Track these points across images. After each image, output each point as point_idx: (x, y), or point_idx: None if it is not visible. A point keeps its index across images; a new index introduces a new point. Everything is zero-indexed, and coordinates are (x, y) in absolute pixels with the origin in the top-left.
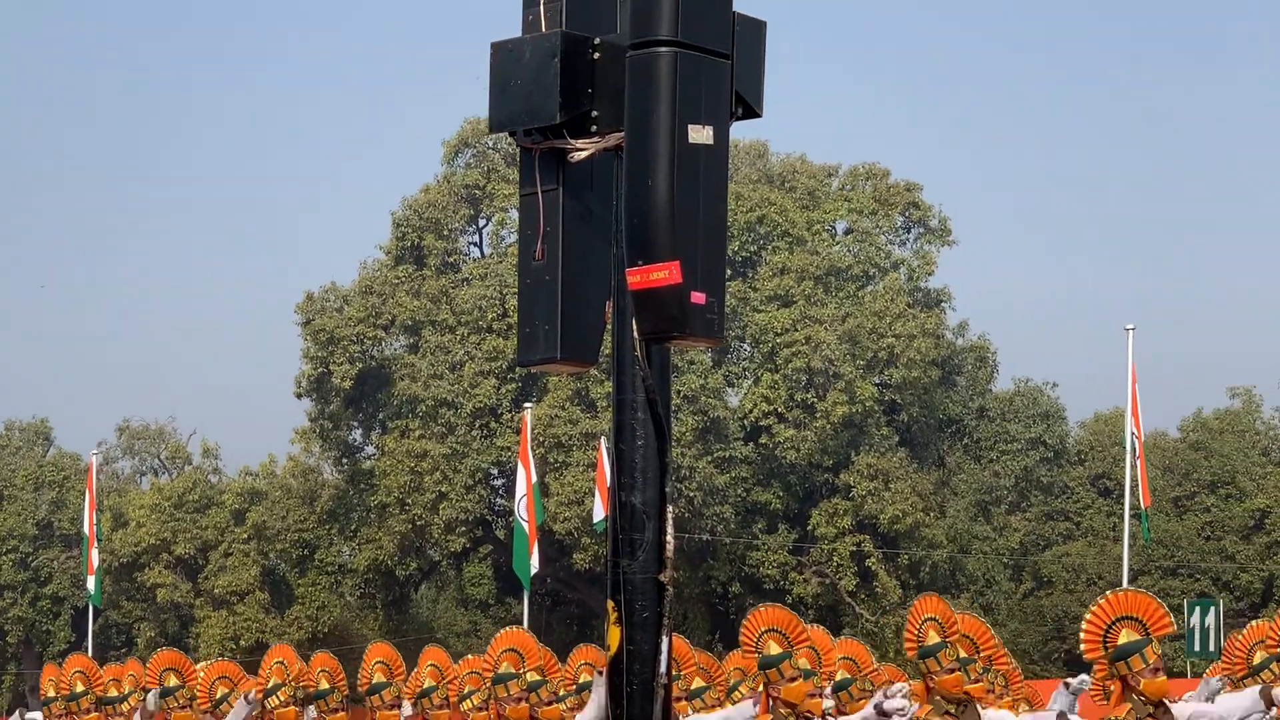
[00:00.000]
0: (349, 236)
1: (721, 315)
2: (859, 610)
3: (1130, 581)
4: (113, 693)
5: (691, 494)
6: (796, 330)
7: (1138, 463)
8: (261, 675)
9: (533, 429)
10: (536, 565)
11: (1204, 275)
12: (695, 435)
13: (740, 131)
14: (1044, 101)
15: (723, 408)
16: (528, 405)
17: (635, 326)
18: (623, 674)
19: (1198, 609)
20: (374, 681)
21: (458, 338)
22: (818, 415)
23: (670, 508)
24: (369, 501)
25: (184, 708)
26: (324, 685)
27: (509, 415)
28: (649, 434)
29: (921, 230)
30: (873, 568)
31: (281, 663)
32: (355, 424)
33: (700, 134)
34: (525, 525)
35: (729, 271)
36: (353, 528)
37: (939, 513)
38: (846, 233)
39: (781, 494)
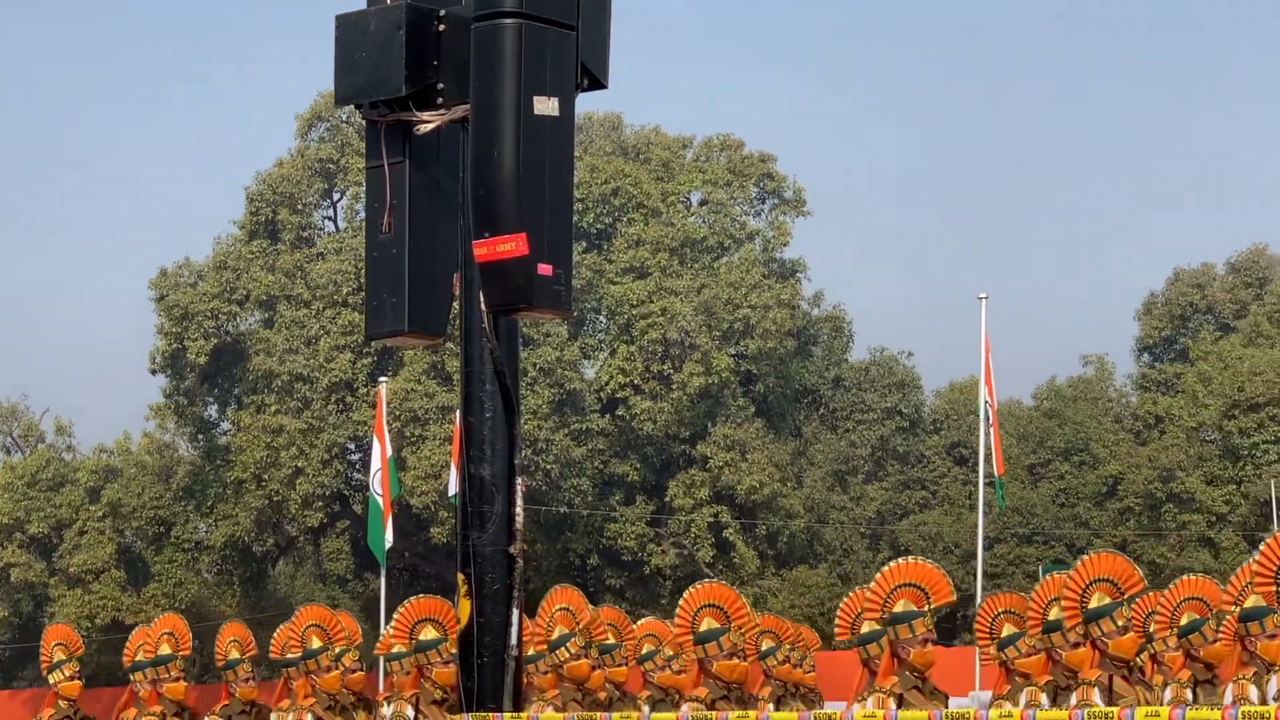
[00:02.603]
0: (203, 211)
1: (569, 287)
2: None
3: (986, 549)
4: None
5: (548, 466)
6: (652, 302)
7: (991, 431)
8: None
9: (389, 403)
10: (391, 540)
11: (1057, 244)
12: (552, 408)
13: (594, 103)
14: (897, 73)
15: (579, 380)
16: (383, 379)
17: (482, 299)
18: (473, 646)
19: (1048, 574)
20: (229, 658)
21: (313, 312)
22: (674, 387)
23: (519, 480)
24: (225, 478)
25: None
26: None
27: (365, 389)
28: (497, 406)
29: (776, 201)
30: (730, 538)
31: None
32: (211, 400)
33: (546, 105)
34: (380, 500)
35: (583, 244)
36: (209, 504)
37: (796, 483)
38: (701, 204)
39: (639, 466)
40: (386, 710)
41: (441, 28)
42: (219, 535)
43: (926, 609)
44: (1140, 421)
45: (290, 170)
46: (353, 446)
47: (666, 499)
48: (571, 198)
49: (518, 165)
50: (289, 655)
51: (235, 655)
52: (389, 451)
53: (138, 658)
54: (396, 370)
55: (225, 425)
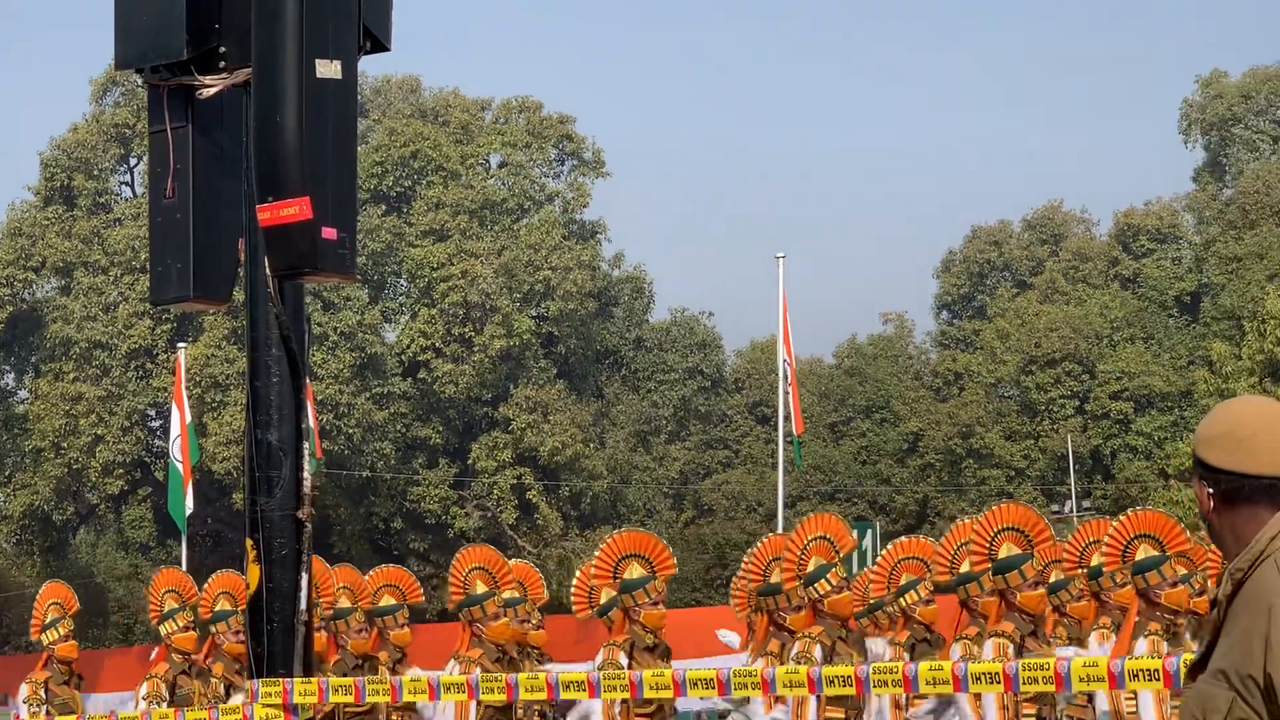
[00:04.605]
0: None
1: (354, 250)
2: (521, 543)
3: (788, 507)
4: None
5: (351, 430)
6: (453, 265)
7: (790, 390)
8: None
9: (189, 369)
10: (192, 506)
11: (856, 203)
12: (353, 372)
13: (393, 66)
14: (694, 33)
15: (380, 344)
16: (183, 345)
17: (267, 263)
18: (263, 611)
19: (855, 532)
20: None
21: (111, 279)
22: (475, 349)
23: (307, 444)
24: (23, 446)
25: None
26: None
27: (165, 356)
28: (283, 371)
29: (576, 163)
30: (534, 500)
31: None
32: (7, 368)
33: (328, 69)
34: (180, 466)
35: (383, 207)
36: (6, 473)
37: (599, 444)
38: (501, 166)
39: (441, 429)
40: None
41: None
42: (17, 505)
43: (838, 559)
44: (940, 378)
45: (86, 136)
46: (153, 413)
47: (469, 462)
48: (355, 161)
49: (300, 129)
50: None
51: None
52: (189, 418)
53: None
54: (196, 336)
55: (23, 394)
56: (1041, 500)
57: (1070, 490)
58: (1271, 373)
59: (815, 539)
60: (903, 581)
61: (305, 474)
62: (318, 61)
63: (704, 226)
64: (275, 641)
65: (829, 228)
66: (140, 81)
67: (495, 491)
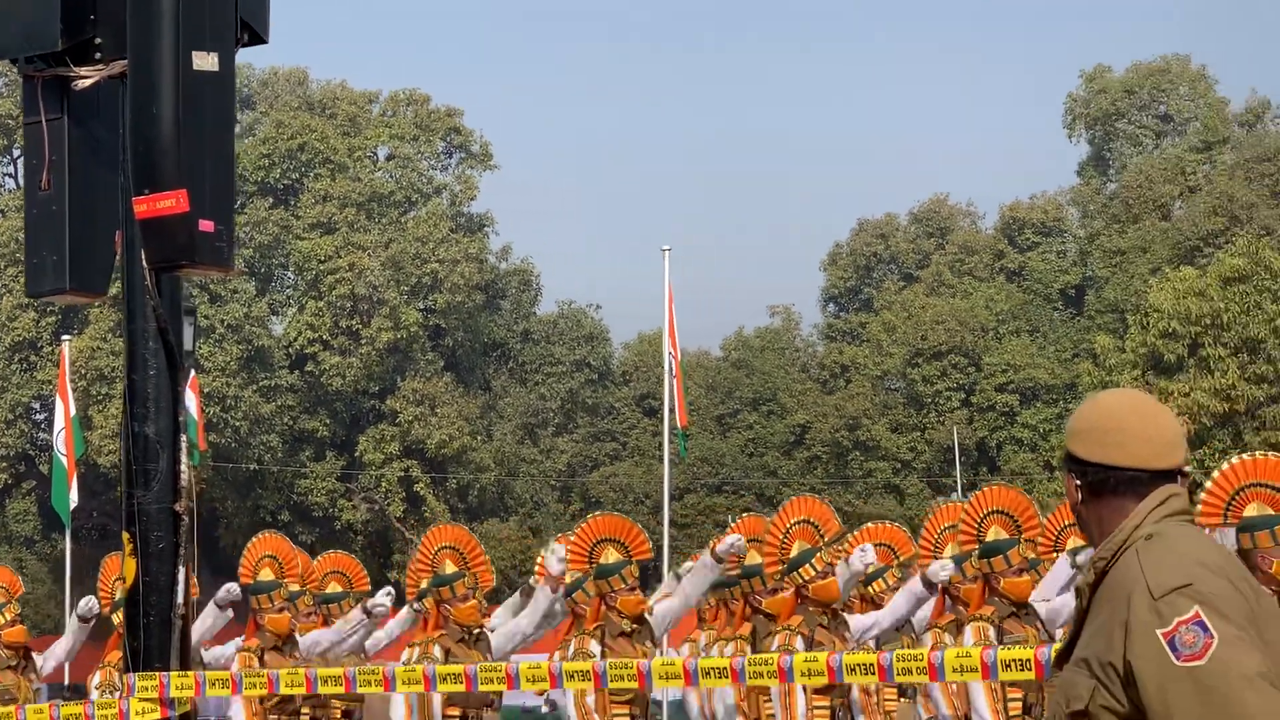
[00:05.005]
0: None
1: (231, 243)
2: (408, 535)
3: (675, 500)
4: None
5: (238, 423)
6: (340, 257)
7: (674, 383)
8: None
9: (74, 361)
10: (77, 500)
11: (743, 197)
12: (240, 364)
13: (280, 59)
14: (581, 26)
15: (267, 336)
16: (67, 338)
17: (144, 256)
18: (140, 606)
19: (733, 521)
20: None
21: None
22: (363, 342)
23: (185, 437)
24: None
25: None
26: None
27: (49, 348)
28: (161, 364)
29: (463, 155)
30: (421, 492)
31: None
32: None
33: (205, 61)
34: (64, 460)
35: (270, 200)
36: None
37: (486, 436)
38: (389, 159)
39: (329, 421)
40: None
41: None
42: None
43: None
44: (826, 371)
45: None
46: (37, 406)
47: (357, 454)
48: (233, 153)
49: (177, 121)
50: None
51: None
52: (73, 411)
53: None
54: (81, 329)
55: None
56: (927, 492)
57: (956, 482)
58: (1154, 365)
59: (798, 523)
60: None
61: (183, 467)
62: (194, 54)
63: (591, 219)
64: (152, 635)
65: (716, 221)
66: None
67: (383, 484)
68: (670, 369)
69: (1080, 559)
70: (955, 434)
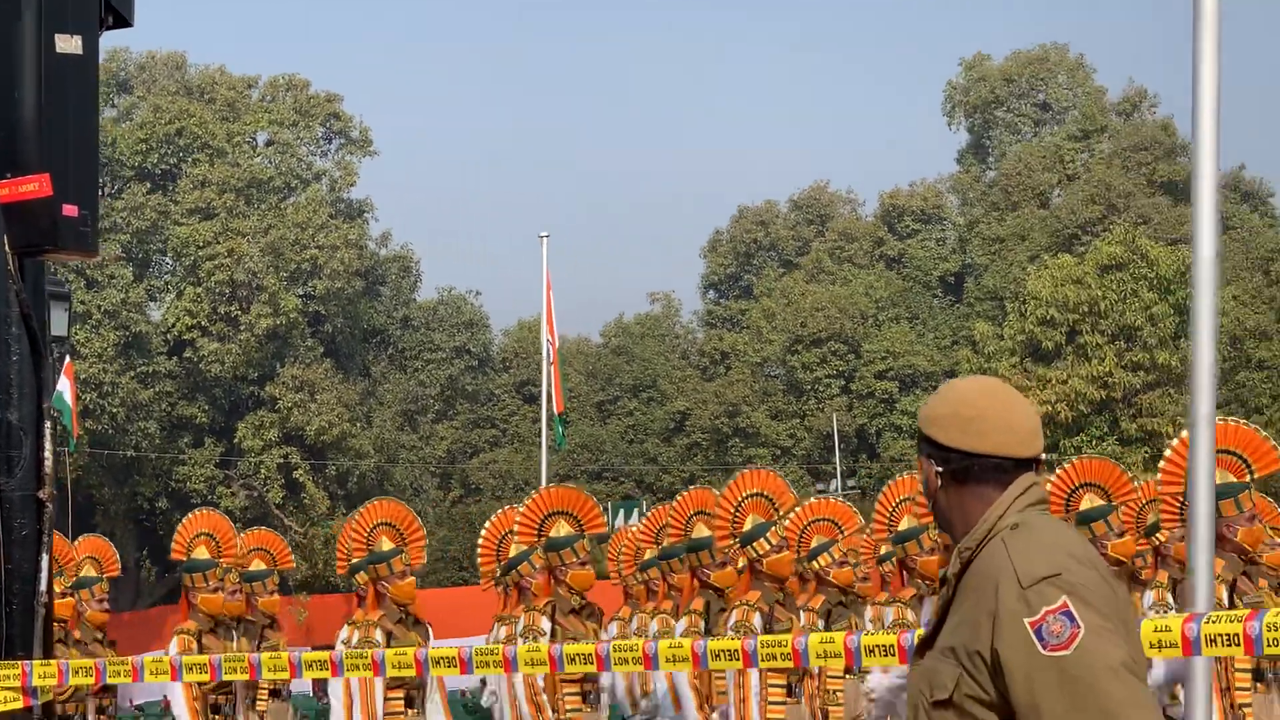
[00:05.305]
0: None
1: (95, 228)
2: (288, 522)
3: (556, 486)
4: None
5: (115, 410)
6: (219, 243)
7: (552, 369)
8: None
9: None
10: None
11: (623, 184)
12: (117, 350)
13: (157, 42)
14: (462, 13)
15: (145, 322)
16: None
17: (6, 240)
18: (2, 593)
19: (622, 510)
20: None
21: None
22: (242, 328)
23: (49, 423)
24: None
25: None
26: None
27: None
28: (24, 349)
29: (343, 141)
30: (300, 479)
31: None
32: None
33: (68, 44)
34: None
35: (148, 185)
36: None
37: (365, 423)
38: (268, 144)
39: (207, 407)
40: None
41: None
42: None
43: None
44: (707, 358)
45: None
46: None
47: (235, 441)
48: (97, 137)
49: (40, 105)
50: None
51: None
52: None
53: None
54: None
55: None
56: (807, 479)
57: (835, 469)
58: (1032, 352)
59: (751, 495)
60: (814, 544)
61: (46, 454)
62: (57, 36)
63: (471, 206)
64: (15, 624)
65: (596, 208)
66: None
67: (262, 471)
68: (548, 356)
69: None
70: (835, 421)
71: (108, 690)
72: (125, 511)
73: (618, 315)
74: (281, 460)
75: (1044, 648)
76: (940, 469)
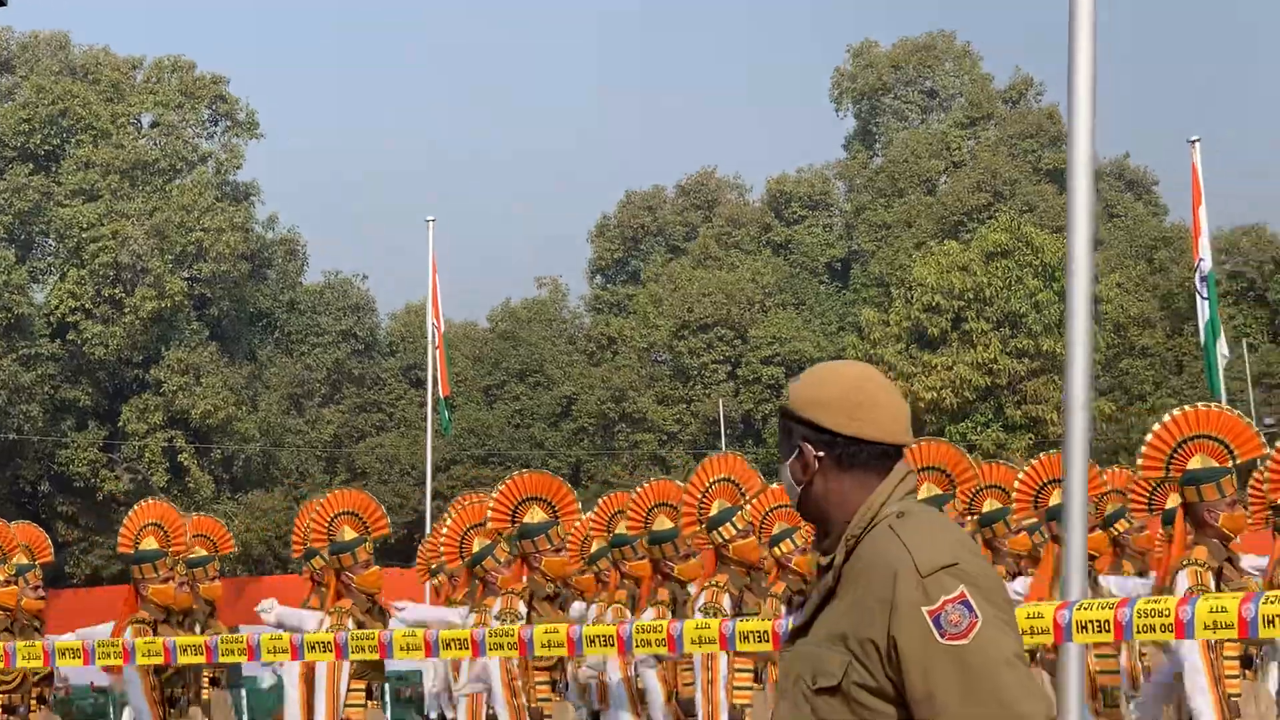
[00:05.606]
0: None
1: None
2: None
3: (442, 471)
4: None
5: None
6: (103, 225)
7: (438, 353)
8: None
9: None
10: None
11: (511, 168)
12: None
13: (39, 22)
14: None
15: (28, 304)
16: None
17: None
18: None
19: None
20: None
21: None
22: (126, 311)
23: None
24: None
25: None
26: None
27: None
28: None
29: (229, 123)
30: (185, 463)
31: None
32: None
33: None
34: None
35: (30, 166)
36: None
37: (251, 406)
38: (153, 126)
39: (91, 391)
40: None
41: None
42: None
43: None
44: (593, 343)
45: None
46: None
47: (120, 424)
48: None
49: None
50: None
51: None
52: None
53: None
54: None
55: None
56: (693, 465)
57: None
58: (918, 338)
59: (718, 480)
60: (776, 530)
61: None
62: None
63: (358, 190)
64: None
65: (484, 192)
66: None
67: (146, 454)
68: (434, 340)
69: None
70: (721, 406)
71: (48, 679)
72: (6, 495)
73: (505, 300)
74: (166, 444)
75: (942, 637)
76: (823, 454)
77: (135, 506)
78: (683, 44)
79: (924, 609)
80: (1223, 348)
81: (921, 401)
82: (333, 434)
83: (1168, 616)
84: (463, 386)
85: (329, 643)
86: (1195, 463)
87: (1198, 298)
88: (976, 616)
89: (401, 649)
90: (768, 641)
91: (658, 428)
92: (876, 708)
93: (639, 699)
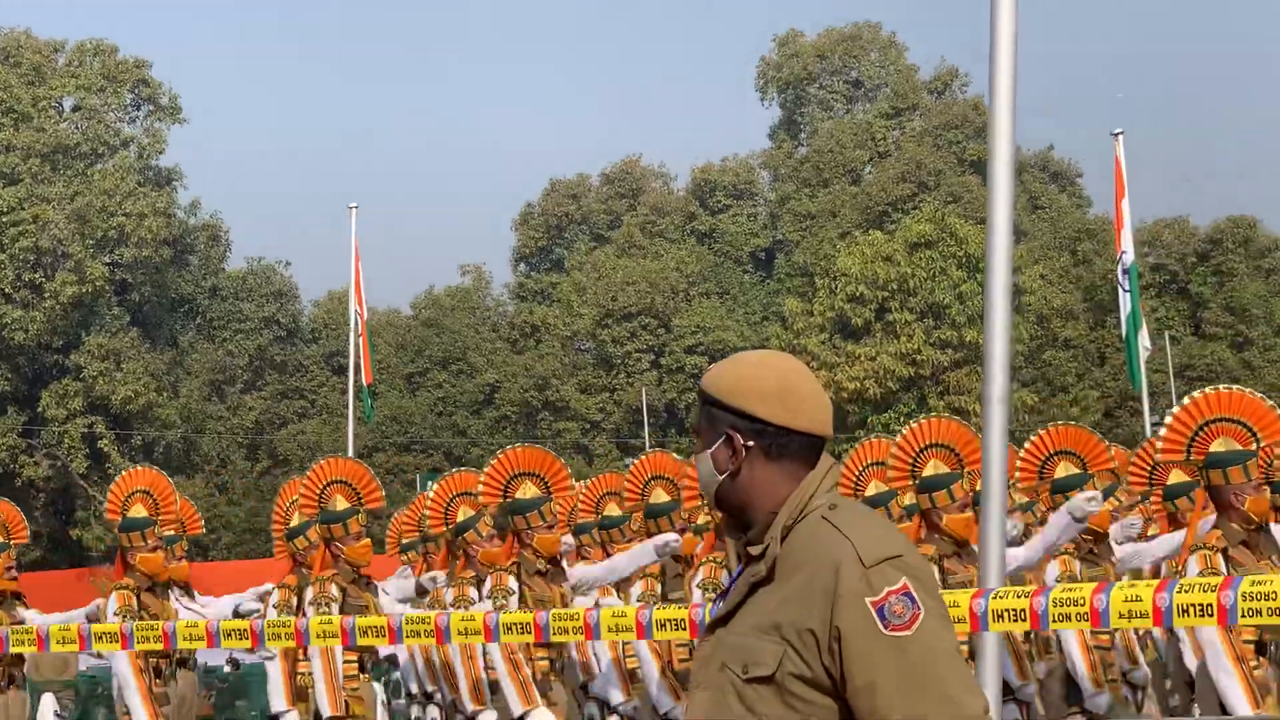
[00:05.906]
0: None
1: None
2: (92, 492)
3: (364, 458)
4: None
5: None
6: (23, 209)
7: (360, 341)
8: None
9: None
10: None
11: (434, 155)
12: None
13: None
14: None
15: None
16: None
17: None
18: None
19: (430, 483)
20: None
21: None
22: (46, 296)
23: None
24: None
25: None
26: None
27: None
28: None
29: (152, 108)
30: (105, 449)
31: None
32: None
33: None
34: None
35: None
36: None
37: (172, 393)
38: (74, 110)
39: (10, 376)
40: None
41: None
42: None
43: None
44: (517, 331)
45: None
46: None
47: (39, 410)
48: None
49: None
50: None
51: None
52: None
53: None
54: None
55: None
56: (616, 453)
57: (645, 443)
58: (842, 329)
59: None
60: None
61: None
62: None
63: (281, 175)
64: None
65: (407, 179)
66: None
67: (66, 440)
68: (356, 327)
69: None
70: (644, 395)
71: (19, 661)
72: None
73: (428, 287)
74: (86, 430)
75: (885, 628)
76: (752, 443)
77: (121, 474)
78: (608, 31)
79: (867, 599)
80: (1144, 340)
81: (845, 391)
82: (254, 420)
83: (1083, 605)
84: (385, 374)
85: (291, 628)
86: (1219, 445)
87: (1120, 290)
88: (919, 608)
89: (364, 634)
90: (685, 630)
91: (581, 416)
92: (810, 698)
93: (629, 677)
